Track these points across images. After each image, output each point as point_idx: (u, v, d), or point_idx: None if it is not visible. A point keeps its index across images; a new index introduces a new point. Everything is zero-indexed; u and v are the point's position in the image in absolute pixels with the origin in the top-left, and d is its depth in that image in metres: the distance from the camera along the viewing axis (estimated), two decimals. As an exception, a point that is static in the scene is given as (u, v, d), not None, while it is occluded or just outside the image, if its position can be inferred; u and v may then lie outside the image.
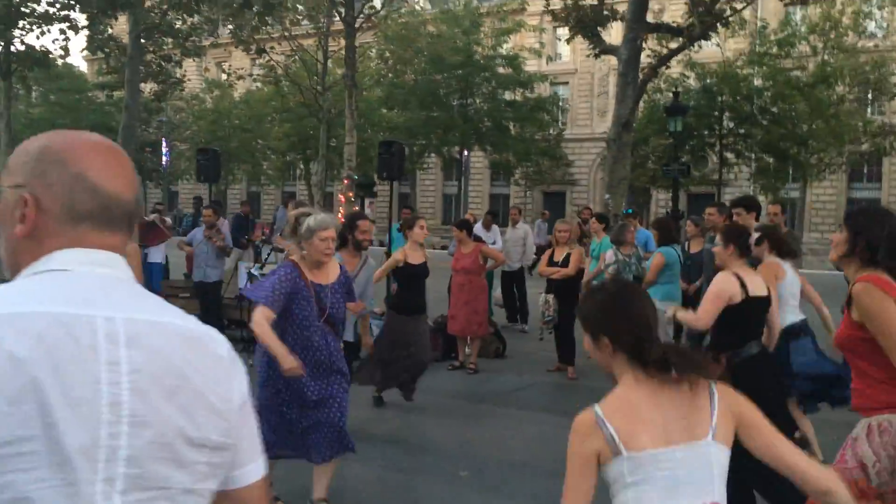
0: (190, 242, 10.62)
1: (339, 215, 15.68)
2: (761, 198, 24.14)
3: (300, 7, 20.42)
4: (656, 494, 1.99)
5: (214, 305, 10.33)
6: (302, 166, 36.22)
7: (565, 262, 9.21)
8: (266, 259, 10.17)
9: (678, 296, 8.85)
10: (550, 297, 9.13)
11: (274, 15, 20.64)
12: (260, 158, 38.67)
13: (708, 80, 28.83)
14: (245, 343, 9.66)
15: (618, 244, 9.00)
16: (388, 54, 30.60)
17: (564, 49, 40.73)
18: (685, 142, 27.77)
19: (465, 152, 33.56)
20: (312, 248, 4.54)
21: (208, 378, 1.18)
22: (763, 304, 4.75)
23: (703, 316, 4.67)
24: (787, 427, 4.41)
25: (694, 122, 27.64)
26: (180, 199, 51.41)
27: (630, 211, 11.51)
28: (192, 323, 1.23)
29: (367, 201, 28.36)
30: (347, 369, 4.88)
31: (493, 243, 12.10)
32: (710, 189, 31.19)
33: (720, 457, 2.05)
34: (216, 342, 1.24)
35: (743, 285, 4.60)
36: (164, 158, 40.89)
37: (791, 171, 29.92)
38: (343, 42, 22.24)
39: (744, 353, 4.60)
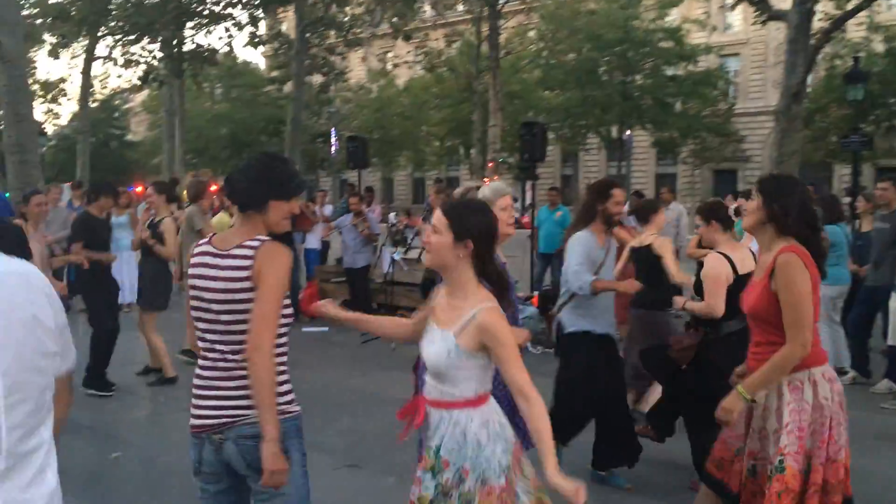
0: (338, 227, 10.97)
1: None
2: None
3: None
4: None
5: (363, 290, 10.59)
6: (462, 151, 36.54)
7: (716, 245, 8.69)
8: (410, 243, 10.29)
9: (847, 278, 8.20)
10: None
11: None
12: (422, 145, 39.34)
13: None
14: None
15: None
16: (544, 34, 30.16)
17: (735, 19, 38.67)
18: (869, 111, 25.60)
19: (628, 131, 32.54)
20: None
21: (41, 308, 1.68)
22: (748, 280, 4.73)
23: (717, 302, 4.69)
24: None
25: (880, 90, 25.39)
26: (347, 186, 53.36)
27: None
28: (20, 266, 1.70)
29: (527, 184, 28.11)
30: None
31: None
32: (902, 162, 28.66)
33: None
34: (40, 279, 1.70)
35: (732, 264, 4.70)
36: (332, 148, 42.53)
37: None
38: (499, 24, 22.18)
39: (723, 329, 4.70)
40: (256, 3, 18.68)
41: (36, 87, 35.79)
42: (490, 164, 14.79)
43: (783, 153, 15.62)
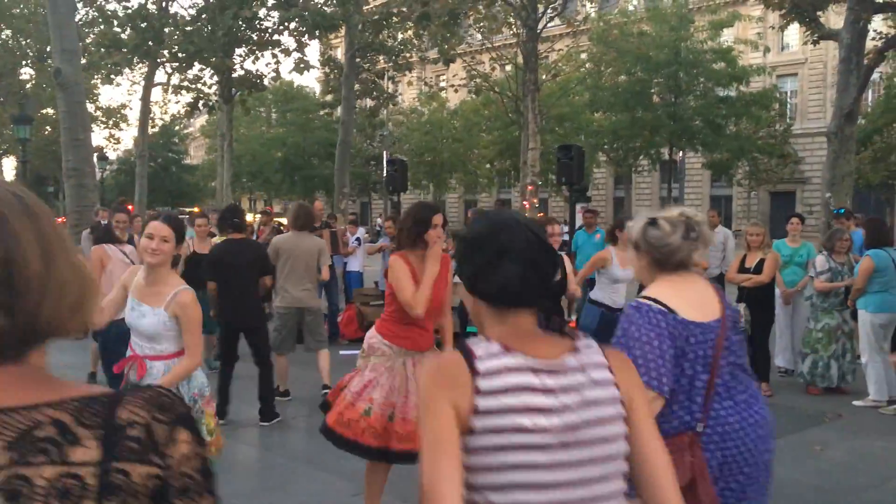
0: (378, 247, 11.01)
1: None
2: None
3: (500, 16, 20.57)
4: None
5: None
6: (513, 173, 36.46)
7: (758, 269, 8.46)
8: (447, 267, 10.21)
9: (895, 305, 7.86)
10: (742, 306, 8.45)
11: (464, 25, 21.03)
12: (473, 167, 39.38)
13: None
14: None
15: (829, 251, 8.35)
16: (587, 56, 30.02)
17: (792, 38, 37.99)
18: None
19: (681, 153, 32.02)
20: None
21: None
22: None
23: None
24: None
25: (942, 109, 24.65)
26: (401, 210, 53.63)
27: (842, 211, 10.38)
28: None
29: (577, 206, 27.82)
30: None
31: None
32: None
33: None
34: None
35: None
36: (385, 171, 42.83)
37: None
38: (547, 47, 22.18)
39: None
40: (303, 29, 18.97)
41: (98, 113, 36.91)
42: (530, 188, 14.57)
43: (836, 174, 15.22)
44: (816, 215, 18.92)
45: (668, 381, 2.68)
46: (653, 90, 30.09)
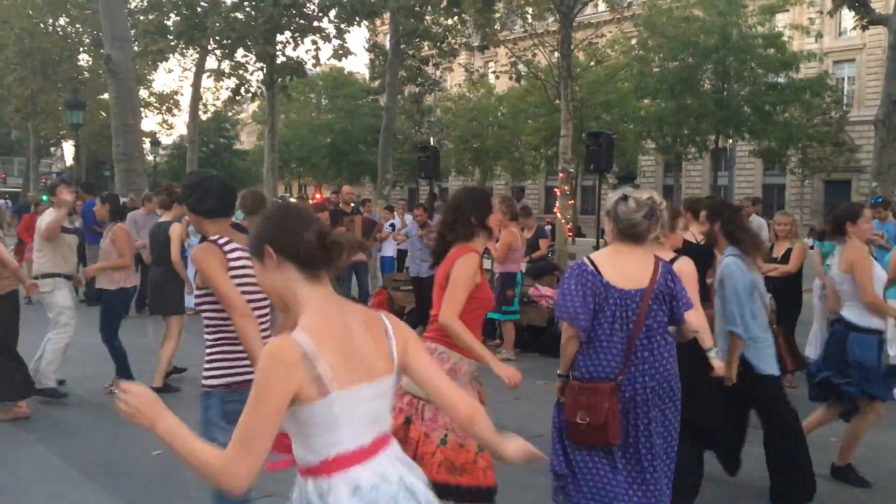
0: (407, 235, 11.14)
1: (556, 209, 15.42)
2: None
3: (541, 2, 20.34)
4: (352, 431, 1.91)
5: (428, 299, 10.65)
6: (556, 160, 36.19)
7: (785, 259, 8.36)
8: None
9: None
10: (768, 297, 8.35)
11: (506, 12, 20.91)
12: (520, 154, 39.17)
13: None
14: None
15: None
16: (634, 42, 29.56)
17: (850, 23, 36.95)
18: None
19: (730, 141, 31.42)
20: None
21: None
22: None
23: None
24: None
25: None
26: (448, 195, 53.64)
27: (879, 200, 10.13)
28: None
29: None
30: None
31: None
32: None
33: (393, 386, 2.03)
34: None
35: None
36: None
37: None
38: (591, 32, 21.98)
39: None
40: (343, 16, 19.11)
41: (151, 99, 37.68)
42: (561, 175, 14.45)
43: (883, 163, 14.83)
44: (868, 205, 18.57)
45: (584, 317, 3.41)
46: (700, 76, 29.55)
